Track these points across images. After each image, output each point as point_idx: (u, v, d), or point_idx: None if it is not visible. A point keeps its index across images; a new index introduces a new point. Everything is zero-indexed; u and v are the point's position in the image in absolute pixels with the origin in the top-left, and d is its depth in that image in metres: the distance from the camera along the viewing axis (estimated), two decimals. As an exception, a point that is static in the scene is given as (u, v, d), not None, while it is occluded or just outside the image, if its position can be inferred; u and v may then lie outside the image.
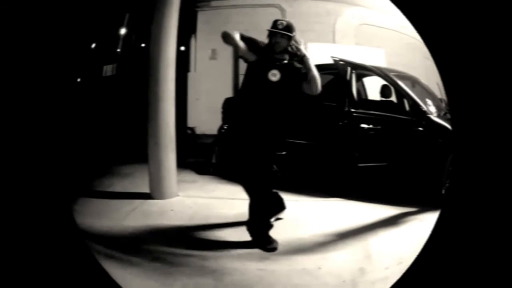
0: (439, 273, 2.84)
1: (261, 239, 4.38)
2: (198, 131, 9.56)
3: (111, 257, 4.07)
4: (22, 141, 3.04)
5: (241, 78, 9.50)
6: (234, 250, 4.31)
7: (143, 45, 9.63)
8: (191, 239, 4.61)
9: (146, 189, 5.92)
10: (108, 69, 8.62)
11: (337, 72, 6.52)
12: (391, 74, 6.34)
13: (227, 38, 4.36)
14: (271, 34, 4.32)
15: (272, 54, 4.34)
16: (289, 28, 4.31)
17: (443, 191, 5.57)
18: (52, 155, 3.19)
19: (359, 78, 6.66)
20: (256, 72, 4.37)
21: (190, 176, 6.92)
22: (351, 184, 6.17)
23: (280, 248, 4.34)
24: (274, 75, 4.29)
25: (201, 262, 4.07)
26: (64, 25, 3.09)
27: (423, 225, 4.86)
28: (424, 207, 5.46)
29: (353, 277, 3.82)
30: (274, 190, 4.70)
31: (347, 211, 5.52)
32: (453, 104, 3.02)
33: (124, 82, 8.69)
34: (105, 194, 6.02)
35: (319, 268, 3.99)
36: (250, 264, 4.05)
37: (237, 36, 4.32)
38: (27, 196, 3.06)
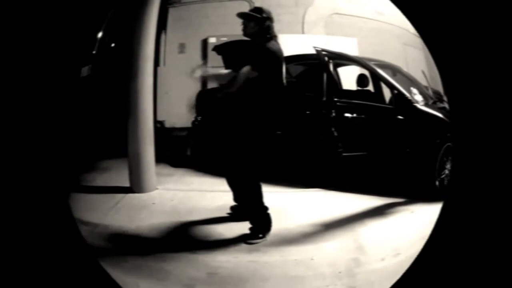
0: (443, 268, 2.84)
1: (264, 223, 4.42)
2: (168, 124, 9.56)
3: (103, 253, 4.06)
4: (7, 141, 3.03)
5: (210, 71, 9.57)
6: (223, 242, 4.34)
7: (113, 45, 9.56)
8: (179, 232, 4.60)
9: (125, 183, 5.90)
10: (84, 70, 8.56)
11: (313, 63, 6.51)
12: (371, 63, 6.32)
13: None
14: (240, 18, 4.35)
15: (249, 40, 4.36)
16: (257, 10, 4.33)
17: (437, 183, 5.55)
18: (37, 152, 3.18)
19: (335, 68, 6.71)
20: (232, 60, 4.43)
21: (166, 169, 6.88)
22: (335, 174, 6.12)
23: (269, 239, 4.35)
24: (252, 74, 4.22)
25: (192, 256, 4.07)
26: (45, 28, 3.08)
27: (415, 216, 4.95)
28: (414, 199, 5.45)
29: (349, 267, 3.84)
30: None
31: (332, 202, 5.53)
32: (453, 100, 3.02)
33: (99, 80, 8.62)
34: (87, 188, 5.99)
35: (312, 259, 4.00)
36: (241, 257, 4.05)
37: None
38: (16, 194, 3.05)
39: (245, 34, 4.35)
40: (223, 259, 4.00)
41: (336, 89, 6.29)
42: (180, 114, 8.93)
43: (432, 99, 6.34)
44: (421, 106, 5.79)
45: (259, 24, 4.29)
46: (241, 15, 4.33)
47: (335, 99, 6.11)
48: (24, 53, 2.98)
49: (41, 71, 3.08)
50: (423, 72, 6.97)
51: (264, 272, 3.79)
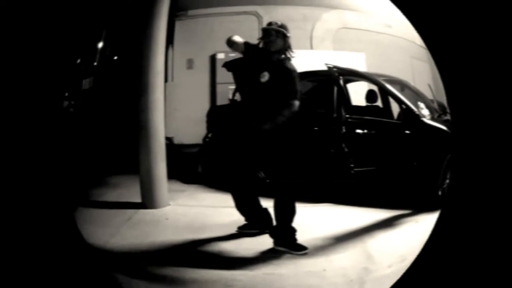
0: (441, 270, 2.90)
1: (292, 243, 4.44)
2: (176, 141, 9.54)
3: (116, 267, 4.05)
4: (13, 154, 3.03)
5: (218, 87, 9.58)
6: (237, 256, 4.37)
7: (116, 57, 9.59)
8: (193, 248, 4.61)
9: (136, 199, 5.93)
10: (86, 82, 8.58)
11: (323, 79, 6.58)
12: (381, 79, 6.41)
13: (231, 43, 4.51)
14: (265, 33, 4.36)
15: (265, 55, 4.38)
16: (284, 27, 4.38)
17: (439, 193, 5.65)
18: (44, 164, 3.18)
19: (344, 84, 6.76)
20: (245, 75, 4.45)
21: (177, 185, 6.91)
22: (346, 189, 6.23)
23: (281, 253, 4.40)
24: (264, 76, 4.34)
25: (208, 270, 4.07)
26: (47, 39, 3.09)
27: (420, 225, 5.01)
28: (418, 209, 5.56)
29: (359, 276, 3.92)
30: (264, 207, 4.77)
31: (341, 216, 5.62)
32: (453, 105, 3.07)
33: (104, 94, 8.65)
34: (98, 203, 6.01)
35: (324, 270, 4.06)
36: (255, 270, 4.09)
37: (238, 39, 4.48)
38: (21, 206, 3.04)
39: (268, 50, 4.36)
40: (238, 273, 4.01)
41: (346, 105, 6.34)
42: (188, 131, 8.92)
43: (438, 112, 6.43)
44: (427, 120, 5.92)
45: (285, 42, 4.37)
46: (271, 30, 4.35)
47: (346, 115, 6.17)
48: (26, 63, 3.02)
49: (44, 81, 3.09)
50: (429, 86, 7.05)
51: (278, 284, 3.84)
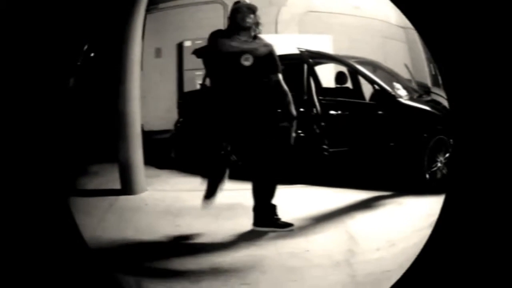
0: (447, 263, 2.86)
1: (276, 221, 4.55)
2: (146, 127, 9.65)
3: (106, 255, 4.18)
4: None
5: (185, 74, 9.70)
6: (219, 238, 4.50)
7: (93, 53, 9.62)
8: (176, 231, 4.75)
9: (115, 185, 6.07)
10: (71, 81, 8.60)
11: (292, 62, 6.57)
12: (352, 61, 6.49)
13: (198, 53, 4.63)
14: (237, 10, 4.37)
15: (238, 35, 4.38)
16: (253, 5, 4.42)
17: (427, 176, 5.73)
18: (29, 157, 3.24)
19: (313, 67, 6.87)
20: (226, 61, 4.36)
21: (151, 170, 7.03)
22: (320, 170, 6.27)
23: (260, 233, 4.52)
24: (247, 59, 4.30)
25: (193, 253, 4.21)
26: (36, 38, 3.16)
27: (405, 208, 5.19)
28: (401, 191, 5.65)
29: (345, 257, 3.98)
30: None
31: (318, 197, 5.74)
32: (452, 100, 3.04)
33: (84, 87, 8.69)
34: (80, 192, 6.11)
35: (307, 250, 4.16)
36: (239, 251, 4.21)
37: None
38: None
39: (243, 25, 4.36)
40: (223, 254, 4.14)
41: (316, 88, 6.41)
42: (157, 117, 9.05)
43: (417, 92, 6.50)
44: (405, 100, 5.95)
45: (255, 17, 4.43)
46: (241, 6, 4.38)
47: (317, 97, 6.26)
48: (15, 59, 3.06)
49: (31, 77, 3.12)
50: (406, 66, 7.11)
51: (263, 264, 3.93)
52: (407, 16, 3.19)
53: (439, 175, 5.79)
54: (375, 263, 3.85)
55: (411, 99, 6.06)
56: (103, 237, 4.62)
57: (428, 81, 9.05)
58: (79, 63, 8.36)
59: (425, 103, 6.17)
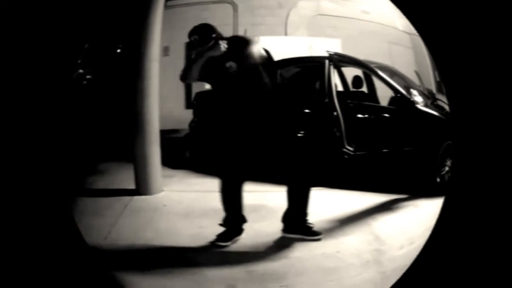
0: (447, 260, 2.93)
1: (307, 228, 4.43)
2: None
3: (123, 260, 4.05)
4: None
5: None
6: (249, 240, 4.39)
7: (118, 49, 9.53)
8: (202, 234, 4.56)
9: (128, 185, 5.90)
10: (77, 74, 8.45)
11: (311, 65, 6.75)
12: (372, 66, 6.48)
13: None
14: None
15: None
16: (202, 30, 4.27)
17: (438, 179, 5.81)
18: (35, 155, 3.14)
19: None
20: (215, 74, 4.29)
21: (166, 171, 6.85)
22: (340, 173, 6.25)
23: (291, 238, 4.42)
24: (231, 67, 4.19)
25: (225, 256, 4.14)
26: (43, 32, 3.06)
27: (421, 210, 5.22)
28: (416, 194, 5.68)
29: (374, 257, 4.05)
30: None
31: (340, 199, 5.68)
32: (452, 100, 3.09)
33: (95, 85, 8.54)
34: (91, 192, 5.93)
35: (338, 252, 4.15)
36: (272, 254, 4.14)
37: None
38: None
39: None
40: (256, 257, 4.06)
41: (336, 91, 6.40)
42: (168, 116, 8.87)
43: (429, 99, 6.54)
44: (421, 106, 6.00)
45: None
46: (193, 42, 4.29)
47: (349, 101, 6.33)
48: (22, 54, 2.99)
49: (37, 74, 3.05)
50: (416, 73, 7.17)
51: (298, 266, 3.90)
52: (413, 23, 3.22)
53: (446, 178, 5.86)
54: (400, 259, 3.88)
55: (426, 105, 6.11)
56: (119, 239, 4.49)
57: (433, 88, 9.01)
58: (90, 61, 8.20)
59: (436, 109, 6.20)
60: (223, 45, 4.19)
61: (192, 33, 4.25)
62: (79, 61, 8.05)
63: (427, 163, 5.82)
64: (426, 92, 6.71)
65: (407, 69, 7.54)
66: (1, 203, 2.95)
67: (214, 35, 4.20)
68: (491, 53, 2.71)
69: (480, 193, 2.81)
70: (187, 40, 8.30)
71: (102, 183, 6.37)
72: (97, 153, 7.48)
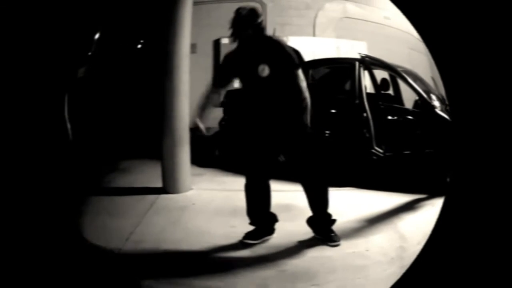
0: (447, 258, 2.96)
1: (327, 234, 4.38)
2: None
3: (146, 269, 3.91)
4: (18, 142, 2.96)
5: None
6: (281, 240, 4.36)
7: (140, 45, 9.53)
8: (233, 233, 4.50)
9: (153, 184, 5.88)
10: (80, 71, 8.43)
11: (343, 66, 6.82)
12: (399, 69, 6.57)
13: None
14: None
15: (247, 49, 4.20)
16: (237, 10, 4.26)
17: (448, 179, 5.73)
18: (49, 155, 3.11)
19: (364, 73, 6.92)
20: (245, 74, 4.23)
21: (194, 169, 6.79)
22: (368, 173, 6.34)
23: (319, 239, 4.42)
24: (263, 71, 4.08)
25: (257, 255, 4.11)
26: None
27: (436, 209, 5.10)
28: (433, 194, 5.72)
29: (398, 254, 4.15)
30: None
31: (366, 199, 5.76)
32: (453, 100, 3.10)
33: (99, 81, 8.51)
34: (111, 190, 5.89)
35: (367, 250, 4.22)
36: (304, 253, 4.14)
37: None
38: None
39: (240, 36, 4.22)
40: (288, 256, 4.07)
41: (366, 93, 6.53)
42: (192, 114, 8.84)
43: (444, 104, 6.55)
44: (439, 110, 6.15)
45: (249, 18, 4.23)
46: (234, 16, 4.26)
47: (380, 103, 6.48)
48: (31, 52, 2.94)
49: (47, 71, 3.03)
50: (432, 79, 7.35)
51: (329, 265, 3.93)
52: (413, 23, 3.18)
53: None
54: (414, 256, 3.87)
55: (443, 110, 6.20)
56: (145, 240, 4.40)
57: (444, 93, 8.98)
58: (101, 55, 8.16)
59: (449, 114, 6.14)
60: None
61: (239, 13, 4.20)
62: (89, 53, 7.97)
63: (441, 164, 5.89)
64: (441, 97, 6.64)
65: (424, 75, 7.53)
66: (4, 202, 2.92)
67: (259, 20, 4.16)
68: (491, 53, 2.69)
69: (480, 193, 2.81)
70: (215, 38, 8.33)
71: (124, 181, 6.35)
72: (117, 151, 7.45)
